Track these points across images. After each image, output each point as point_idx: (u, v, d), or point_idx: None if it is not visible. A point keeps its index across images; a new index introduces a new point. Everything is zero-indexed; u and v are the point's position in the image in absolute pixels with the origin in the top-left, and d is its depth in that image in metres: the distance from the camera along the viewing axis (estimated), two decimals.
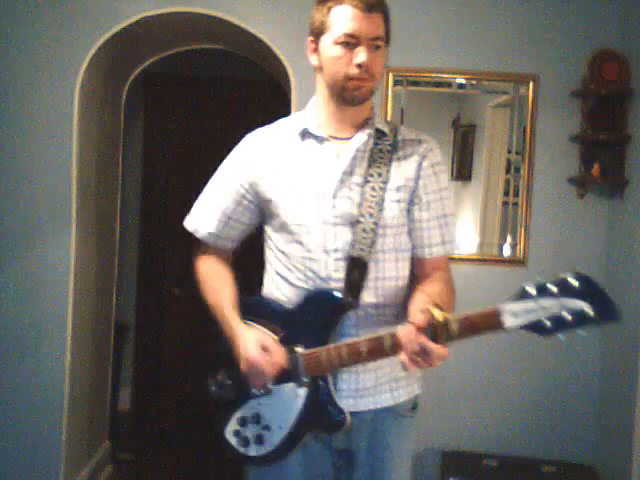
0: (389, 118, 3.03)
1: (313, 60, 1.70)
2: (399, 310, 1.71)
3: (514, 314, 1.42)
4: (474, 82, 3.21)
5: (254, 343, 1.63)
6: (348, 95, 1.64)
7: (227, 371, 1.75)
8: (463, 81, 3.20)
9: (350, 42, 1.60)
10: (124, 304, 4.45)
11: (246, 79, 4.36)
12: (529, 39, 3.15)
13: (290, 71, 3.13)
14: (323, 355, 1.61)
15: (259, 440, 1.70)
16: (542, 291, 1.41)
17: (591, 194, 3.15)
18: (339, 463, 1.73)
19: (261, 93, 4.32)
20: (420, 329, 1.46)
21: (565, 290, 1.39)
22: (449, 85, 3.22)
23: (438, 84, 3.21)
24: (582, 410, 3.19)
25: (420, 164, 1.70)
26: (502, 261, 3.18)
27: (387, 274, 1.69)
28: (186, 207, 4.49)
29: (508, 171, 3.25)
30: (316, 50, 1.67)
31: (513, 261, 3.18)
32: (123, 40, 3.22)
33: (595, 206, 3.16)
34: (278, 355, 1.63)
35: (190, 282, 5.04)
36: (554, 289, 1.40)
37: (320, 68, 1.68)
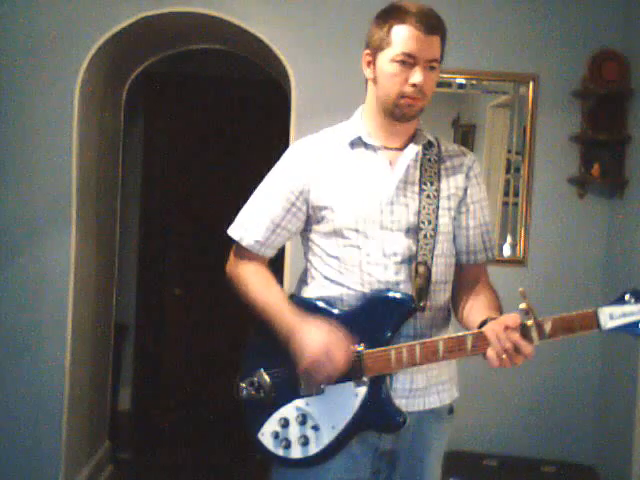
0: None
1: (368, 73, 1.73)
2: (445, 313, 1.79)
3: (611, 316, 1.53)
4: (474, 82, 3.21)
5: (320, 341, 1.60)
6: (399, 112, 1.68)
7: (266, 371, 1.72)
8: (463, 81, 3.20)
9: (407, 61, 1.64)
10: (124, 304, 4.45)
11: (246, 79, 4.36)
12: (529, 39, 3.15)
13: (290, 71, 3.13)
14: (393, 354, 1.64)
15: (304, 441, 1.68)
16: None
17: (591, 194, 3.15)
18: (379, 465, 1.73)
19: (261, 93, 4.32)
20: (511, 328, 1.53)
21: None
22: (449, 85, 3.22)
23: (438, 84, 3.19)
24: (582, 410, 3.19)
25: (467, 175, 1.79)
26: (502, 261, 3.18)
27: (439, 278, 1.74)
28: (186, 207, 4.49)
29: (508, 171, 3.25)
30: (371, 64, 1.71)
31: (513, 261, 3.18)
32: (123, 40, 3.22)
33: (595, 206, 3.16)
34: (344, 355, 1.62)
35: (190, 282, 5.02)
36: None
37: (374, 81, 1.72)
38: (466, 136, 3.25)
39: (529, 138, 3.15)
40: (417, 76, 1.64)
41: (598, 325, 1.54)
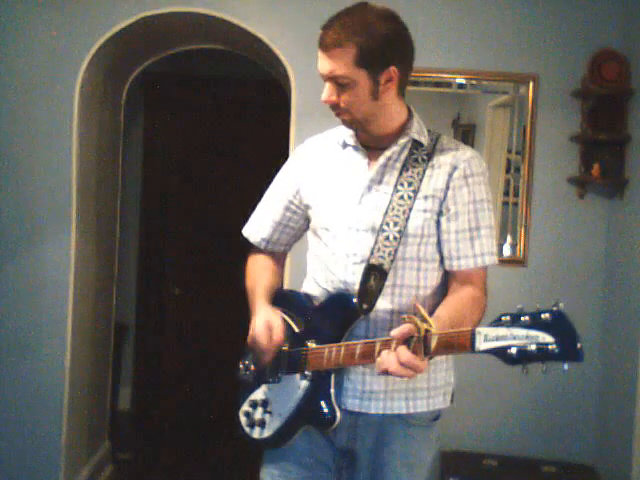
0: None
1: None
2: None
3: (486, 338, 1.41)
4: (474, 82, 3.21)
5: (262, 320, 1.70)
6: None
7: (252, 355, 1.80)
8: (463, 81, 3.20)
9: (324, 80, 1.66)
10: (124, 304, 4.45)
11: (246, 79, 4.36)
12: (529, 39, 3.15)
13: (290, 71, 3.13)
14: (326, 352, 1.67)
15: (262, 424, 1.77)
16: (516, 320, 1.39)
17: (591, 194, 3.15)
18: (341, 462, 1.75)
19: (261, 93, 4.32)
20: (399, 340, 1.49)
21: (537, 323, 1.37)
22: (449, 85, 3.22)
23: (438, 84, 3.21)
24: (582, 410, 3.19)
25: (451, 175, 1.69)
26: (502, 261, 3.17)
27: (406, 282, 1.69)
28: (186, 207, 4.51)
29: (508, 171, 3.25)
30: None
31: (513, 261, 3.18)
32: (123, 40, 3.22)
33: (595, 206, 3.16)
34: (278, 336, 1.69)
35: (190, 282, 5.02)
36: (527, 320, 1.38)
37: None
38: (466, 136, 3.25)
39: (529, 138, 3.14)
40: (323, 93, 1.67)
41: (472, 345, 1.41)
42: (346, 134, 1.76)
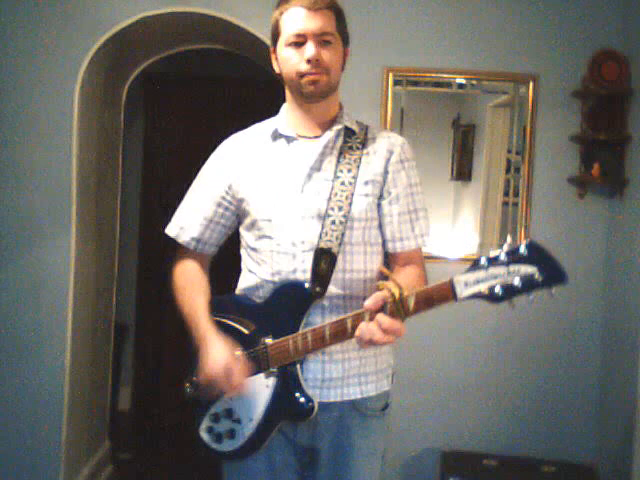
0: (389, 118, 3.04)
1: (276, 67, 1.78)
2: None
3: (466, 284, 1.45)
4: (474, 82, 3.21)
5: (220, 362, 1.67)
6: (306, 91, 1.71)
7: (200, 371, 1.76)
8: (463, 81, 3.20)
9: (299, 41, 1.67)
10: (124, 304, 4.45)
11: (246, 79, 4.36)
12: (529, 39, 3.15)
13: None
14: (290, 343, 1.65)
15: (231, 434, 1.74)
16: (492, 260, 1.45)
17: (591, 194, 3.15)
18: (304, 460, 1.75)
19: (261, 93, 4.31)
20: (373, 310, 1.51)
21: (514, 257, 1.44)
22: (449, 85, 3.22)
23: (438, 84, 3.20)
24: (582, 410, 3.19)
25: (388, 160, 1.74)
26: None
27: (355, 266, 1.72)
28: None
29: (508, 171, 3.25)
30: (276, 58, 1.76)
31: None
32: (123, 40, 3.22)
33: (595, 206, 3.16)
34: (240, 377, 1.66)
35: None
36: (503, 257, 1.44)
37: (281, 72, 1.76)
38: (466, 136, 3.25)
39: (529, 138, 3.15)
40: (308, 51, 1.66)
41: (454, 295, 1.46)
42: (279, 125, 1.78)
